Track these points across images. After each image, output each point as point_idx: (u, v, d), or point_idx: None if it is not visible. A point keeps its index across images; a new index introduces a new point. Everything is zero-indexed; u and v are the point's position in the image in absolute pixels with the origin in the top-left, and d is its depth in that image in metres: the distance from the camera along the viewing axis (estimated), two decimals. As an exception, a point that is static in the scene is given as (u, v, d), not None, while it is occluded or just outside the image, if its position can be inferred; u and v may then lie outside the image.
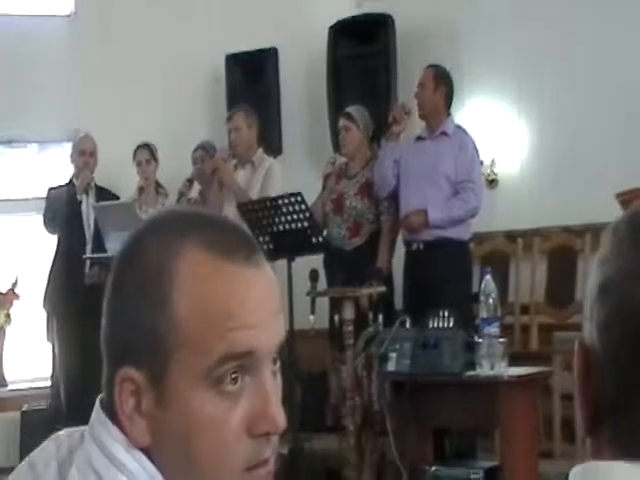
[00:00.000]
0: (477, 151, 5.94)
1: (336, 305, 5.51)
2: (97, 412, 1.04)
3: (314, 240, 5.54)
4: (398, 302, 5.96)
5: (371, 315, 5.25)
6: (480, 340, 4.55)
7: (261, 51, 7.58)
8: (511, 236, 6.46)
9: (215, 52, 7.54)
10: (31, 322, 7.22)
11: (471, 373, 4.58)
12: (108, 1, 7.71)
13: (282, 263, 5.38)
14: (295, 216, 5.49)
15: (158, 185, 6.99)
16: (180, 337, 0.99)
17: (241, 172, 6.42)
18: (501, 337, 4.56)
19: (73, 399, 6.25)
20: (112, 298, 1.04)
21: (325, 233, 6.05)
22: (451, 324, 4.78)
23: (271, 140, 7.13)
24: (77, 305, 6.29)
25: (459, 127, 6.02)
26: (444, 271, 5.64)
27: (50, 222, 6.77)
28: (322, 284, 5.69)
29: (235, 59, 7.67)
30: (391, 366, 4.79)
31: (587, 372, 0.94)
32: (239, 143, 6.41)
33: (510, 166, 6.98)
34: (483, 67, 7.00)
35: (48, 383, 6.86)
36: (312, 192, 6.18)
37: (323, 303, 5.70)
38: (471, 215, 5.83)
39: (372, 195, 6.12)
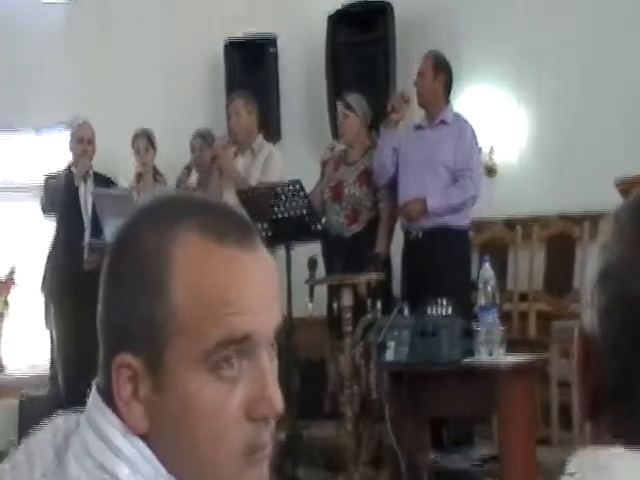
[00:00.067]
0: (476, 139, 5.93)
1: (334, 292, 5.51)
2: (94, 397, 1.04)
3: (313, 227, 5.54)
4: (396, 289, 5.96)
5: (369, 302, 5.25)
6: (478, 328, 4.55)
7: (260, 38, 7.57)
8: (510, 224, 6.46)
9: (214, 39, 7.53)
10: (29, 309, 7.22)
11: (469, 360, 4.58)
12: (106, -13, 7.71)
13: (281, 252, 5.38)
14: (294, 203, 5.49)
15: (156, 172, 6.97)
16: (177, 325, 0.99)
17: (241, 159, 6.40)
18: (499, 325, 4.56)
19: (71, 385, 6.25)
20: (108, 284, 1.03)
21: (324, 220, 6.06)
22: (449, 312, 4.77)
23: (270, 127, 7.12)
24: (75, 291, 6.28)
25: (458, 115, 6.01)
26: (443, 259, 5.63)
27: (48, 206, 6.74)
28: (320, 273, 5.69)
29: (234, 46, 7.65)
30: (389, 356, 4.77)
31: (587, 359, 0.94)
32: (239, 129, 6.40)
33: (509, 154, 6.98)
34: (482, 55, 6.98)
35: (47, 369, 6.86)
36: (311, 178, 6.18)
37: (322, 291, 5.71)
38: (470, 203, 5.83)
39: (371, 183, 6.12)
